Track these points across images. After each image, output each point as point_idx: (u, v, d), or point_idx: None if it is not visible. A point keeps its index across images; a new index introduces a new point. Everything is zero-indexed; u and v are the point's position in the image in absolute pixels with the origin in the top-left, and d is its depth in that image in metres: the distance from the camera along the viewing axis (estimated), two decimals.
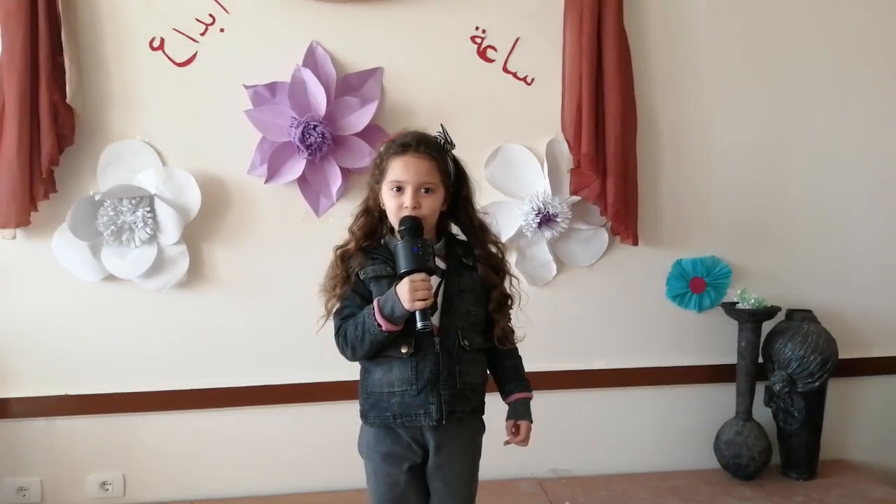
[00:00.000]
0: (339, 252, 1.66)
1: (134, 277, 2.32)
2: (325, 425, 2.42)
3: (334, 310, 1.65)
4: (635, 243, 2.46)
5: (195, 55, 2.33)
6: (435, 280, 1.58)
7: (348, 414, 2.40)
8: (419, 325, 1.52)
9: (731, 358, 2.53)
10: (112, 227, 2.25)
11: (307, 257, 2.38)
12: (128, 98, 2.32)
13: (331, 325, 1.66)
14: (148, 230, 2.28)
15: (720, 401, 2.56)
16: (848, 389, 2.59)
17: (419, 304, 1.51)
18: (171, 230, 2.29)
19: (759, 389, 2.52)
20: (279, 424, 2.44)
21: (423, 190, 1.60)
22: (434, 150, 1.63)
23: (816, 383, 2.40)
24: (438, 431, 1.61)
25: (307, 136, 2.26)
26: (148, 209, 2.28)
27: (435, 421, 1.58)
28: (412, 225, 1.57)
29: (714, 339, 2.56)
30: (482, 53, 2.42)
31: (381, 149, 1.68)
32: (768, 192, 2.56)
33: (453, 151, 1.68)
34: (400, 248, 1.56)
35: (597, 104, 2.36)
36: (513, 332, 1.73)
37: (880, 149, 2.58)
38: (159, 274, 2.33)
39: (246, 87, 2.31)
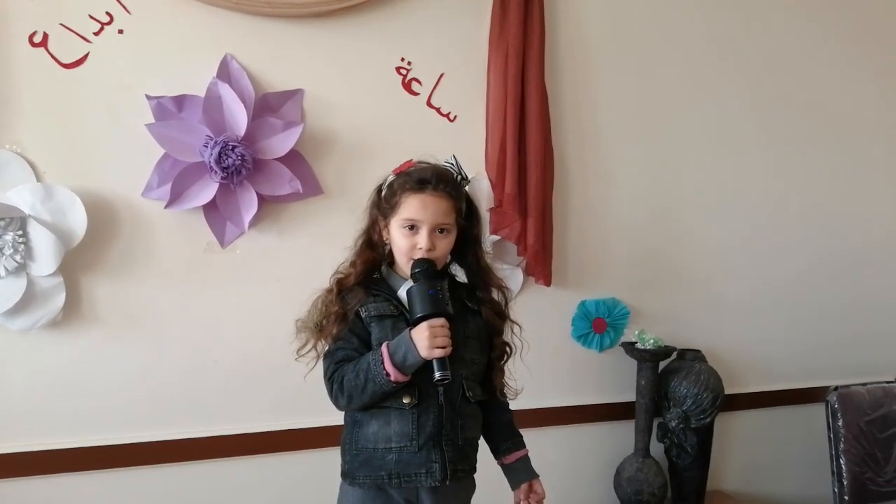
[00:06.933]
0: (336, 284, 1.48)
1: None
2: (232, 485, 2.13)
3: (324, 351, 1.47)
4: (548, 284, 2.48)
5: (86, 56, 2.01)
6: None
7: (260, 470, 2.16)
8: (437, 374, 1.39)
9: (627, 396, 2.63)
10: None
11: (206, 293, 2.16)
12: None
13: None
14: (17, 258, 1.90)
15: (618, 438, 2.64)
16: (723, 423, 2.79)
17: (438, 353, 1.38)
18: (46, 259, 1.93)
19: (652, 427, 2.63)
20: (171, 486, 2.10)
21: (438, 230, 1.50)
22: (453, 188, 1.54)
23: (708, 419, 2.55)
24: (437, 493, 1.47)
25: (224, 158, 2.02)
26: (20, 233, 1.90)
27: (437, 481, 1.44)
28: (428, 267, 1.46)
29: (613, 378, 2.65)
30: (407, 86, 2.34)
31: (393, 180, 1.55)
32: (660, 241, 2.71)
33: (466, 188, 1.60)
34: (415, 291, 1.43)
35: (519, 146, 2.38)
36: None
37: (747, 207, 2.83)
38: (28, 311, 1.94)
39: (148, 97, 2.03)
